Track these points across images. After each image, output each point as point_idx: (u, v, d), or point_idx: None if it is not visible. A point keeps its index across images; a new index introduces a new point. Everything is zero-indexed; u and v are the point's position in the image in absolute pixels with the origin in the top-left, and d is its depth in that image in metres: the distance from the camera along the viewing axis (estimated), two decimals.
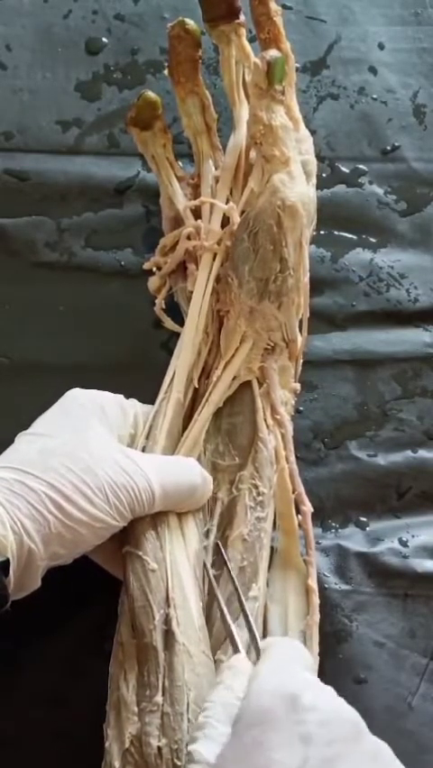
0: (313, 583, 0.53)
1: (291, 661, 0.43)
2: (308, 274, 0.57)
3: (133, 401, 0.56)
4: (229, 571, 0.51)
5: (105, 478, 0.47)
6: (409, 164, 0.68)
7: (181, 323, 0.58)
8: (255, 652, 0.46)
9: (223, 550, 0.52)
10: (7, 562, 0.44)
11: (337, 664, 0.55)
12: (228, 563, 0.51)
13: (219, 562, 0.52)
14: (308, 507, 0.55)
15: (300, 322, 0.57)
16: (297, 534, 0.55)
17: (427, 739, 0.55)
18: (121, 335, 0.63)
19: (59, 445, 0.48)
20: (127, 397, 0.56)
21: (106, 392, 0.54)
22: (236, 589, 0.49)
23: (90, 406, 0.52)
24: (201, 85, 0.60)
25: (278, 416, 0.55)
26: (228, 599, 0.50)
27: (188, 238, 0.58)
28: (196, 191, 0.61)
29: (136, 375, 0.60)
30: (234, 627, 0.48)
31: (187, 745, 0.44)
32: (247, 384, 0.56)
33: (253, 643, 0.47)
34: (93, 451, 0.48)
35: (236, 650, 0.46)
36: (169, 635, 0.48)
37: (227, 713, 0.42)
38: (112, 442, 0.50)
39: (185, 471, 0.52)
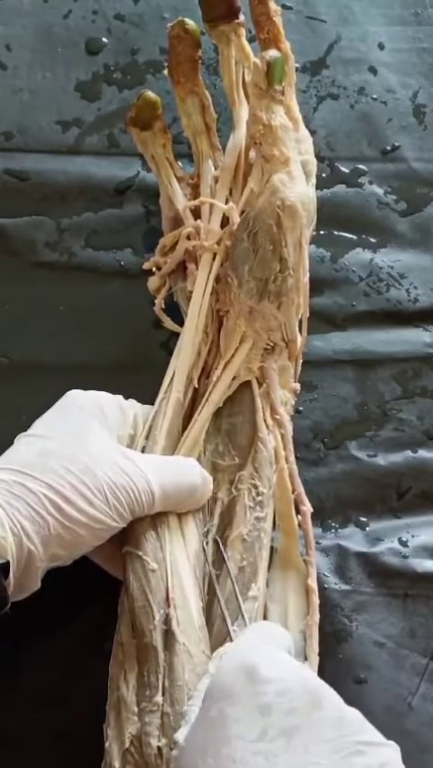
0: (313, 583, 0.53)
1: (260, 639, 0.43)
2: (308, 274, 0.57)
3: (133, 402, 0.56)
4: (228, 570, 0.51)
5: (104, 479, 0.47)
6: (409, 164, 0.68)
7: (181, 323, 0.58)
8: (230, 638, 0.46)
9: (222, 548, 0.52)
10: (7, 563, 0.44)
11: (337, 664, 0.55)
12: (227, 562, 0.51)
13: (219, 561, 0.52)
14: (307, 508, 0.55)
15: (300, 322, 0.57)
16: (297, 535, 0.55)
17: (427, 739, 0.55)
18: (121, 335, 0.63)
19: (58, 447, 0.48)
20: (127, 397, 0.56)
21: (106, 393, 0.54)
22: (234, 586, 0.49)
23: (89, 407, 0.52)
24: (201, 85, 0.60)
25: (277, 416, 0.55)
26: (227, 599, 0.50)
27: (188, 238, 0.58)
28: (195, 191, 0.61)
29: (136, 375, 0.60)
30: (229, 623, 0.48)
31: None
32: (247, 384, 0.56)
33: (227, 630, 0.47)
34: (92, 452, 0.48)
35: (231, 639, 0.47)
36: (169, 635, 0.48)
37: None
38: (111, 443, 0.50)
39: (184, 472, 0.52)
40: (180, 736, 0.42)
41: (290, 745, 0.37)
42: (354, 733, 0.38)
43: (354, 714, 0.39)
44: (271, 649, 0.42)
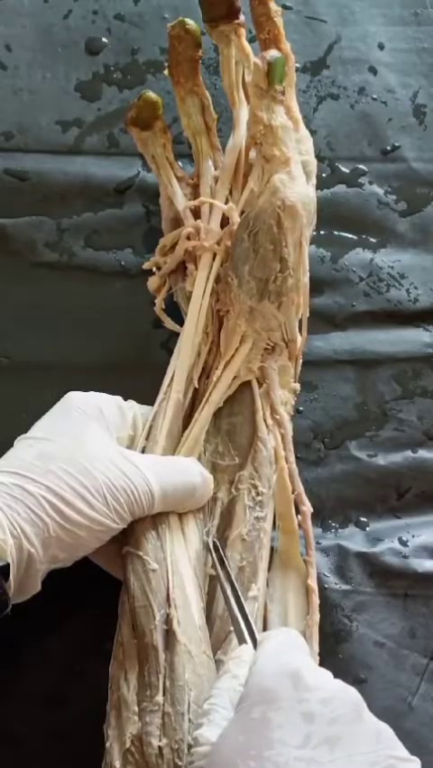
0: (313, 583, 0.53)
1: (290, 645, 0.43)
2: (308, 274, 0.57)
3: (132, 402, 0.56)
4: (228, 571, 0.51)
5: (103, 480, 0.47)
6: (409, 164, 0.68)
7: (181, 323, 0.58)
8: (253, 644, 0.46)
9: (221, 550, 0.52)
10: (7, 566, 0.44)
11: (337, 664, 0.55)
12: (226, 561, 0.51)
13: (219, 561, 0.52)
14: (307, 508, 0.55)
15: (300, 322, 0.57)
16: (297, 535, 0.55)
17: (427, 739, 0.55)
18: (121, 335, 0.63)
19: (57, 449, 0.48)
20: (127, 397, 0.56)
21: (105, 394, 0.54)
22: (233, 586, 0.49)
23: (89, 408, 0.52)
24: (201, 85, 0.60)
25: (277, 416, 0.55)
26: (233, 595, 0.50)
27: (188, 238, 0.58)
28: (195, 191, 0.61)
29: (136, 375, 0.60)
30: (240, 618, 0.48)
31: (192, 731, 0.44)
32: (247, 384, 0.56)
33: (250, 636, 0.47)
34: (91, 454, 0.48)
35: (241, 641, 0.46)
36: (169, 635, 0.48)
37: (231, 700, 0.42)
38: (110, 444, 0.50)
39: (184, 472, 0.52)
40: (207, 733, 0.41)
41: (333, 754, 0.37)
42: (389, 747, 0.39)
43: (388, 728, 0.40)
44: (307, 657, 0.42)
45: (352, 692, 0.40)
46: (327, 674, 0.41)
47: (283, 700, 0.39)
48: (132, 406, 0.55)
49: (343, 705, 0.39)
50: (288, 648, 0.43)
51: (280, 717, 0.38)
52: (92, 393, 0.53)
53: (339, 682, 0.40)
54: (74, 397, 0.53)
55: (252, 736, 0.38)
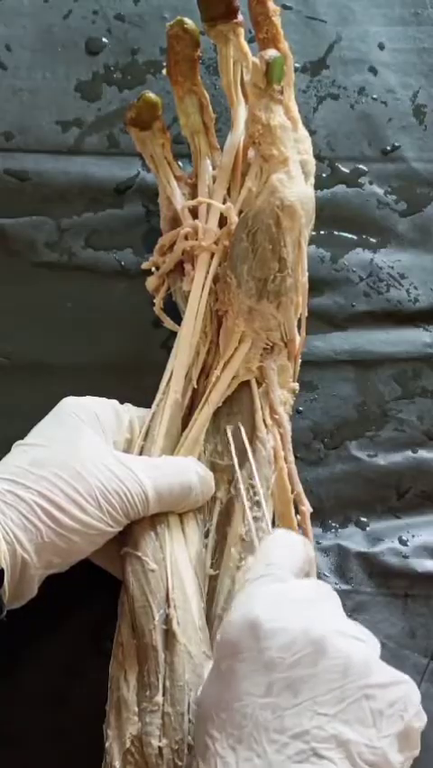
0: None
1: (264, 573, 0.43)
2: (307, 274, 0.57)
3: (128, 406, 0.56)
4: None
5: (96, 484, 0.48)
6: (409, 164, 0.68)
7: (181, 322, 0.58)
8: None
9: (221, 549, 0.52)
10: (1, 572, 0.44)
11: None
12: (226, 561, 0.51)
13: (219, 562, 0.52)
14: (307, 507, 0.55)
15: (299, 321, 0.57)
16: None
17: (427, 739, 0.54)
18: (121, 335, 0.63)
19: (50, 455, 0.48)
20: (127, 396, 0.56)
21: (101, 398, 0.54)
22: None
23: (84, 413, 0.52)
24: (200, 84, 0.60)
25: (277, 416, 0.55)
26: (226, 597, 0.50)
27: (186, 238, 0.58)
28: (194, 191, 0.61)
29: (136, 375, 0.60)
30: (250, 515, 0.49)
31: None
32: (246, 384, 0.56)
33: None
34: (84, 458, 0.48)
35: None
36: (169, 636, 0.48)
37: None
38: (104, 448, 0.50)
39: (179, 473, 0.52)
40: (200, 690, 0.43)
41: (297, 698, 0.38)
42: (359, 677, 0.38)
43: (360, 656, 0.39)
44: (273, 589, 0.42)
45: (315, 629, 0.39)
46: (290, 610, 0.40)
47: (246, 651, 0.39)
48: (128, 410, 0.55)
49: (304, 646, 0.39)
50: (259, 585, 0.42)
51: (244, 669, 0.39)
52: (87, 398, 0.53)
53: (302, 619, 0.40)
54: (69, 403, 0.53)
55: (222, 689, 0.39)
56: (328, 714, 0.37)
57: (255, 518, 0.53)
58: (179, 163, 0.62)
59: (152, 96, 0.59)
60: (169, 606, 0.49)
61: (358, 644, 0.39)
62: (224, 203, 0.58)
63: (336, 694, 0.38)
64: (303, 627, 0.39)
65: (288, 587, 0.42)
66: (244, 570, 0.46)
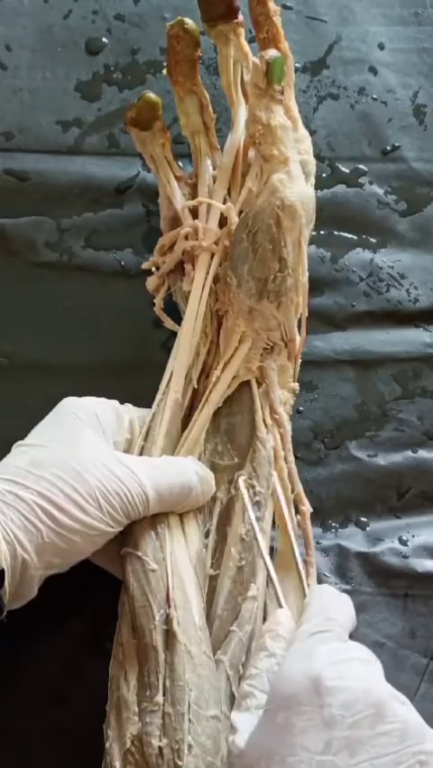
0: (313, 583, 0.53)
1: (325, 629, 0.44)
2: (307, 274, 0.57)
3: (128, 406, 0.56)
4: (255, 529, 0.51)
5: (96, 485, 0.48)
6: (409, 164, 0.68)
7: (181, 322, 0.58)
8: (277, 602, 0.47)
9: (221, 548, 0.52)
10: (2, 572, 0.44)
11: None
12: (226, 561, 0.51)
13: (219, 562, 0.52)
14: (307, 507, 0.55)
15: (299, 321, 0.57)
16: (296, 534, 0.55)
17: None
18: (121, 335, 0.63)
19: (50, 455, 0.48)
20: (127, 396, 0.56)
21: (101, 399, 0.54)
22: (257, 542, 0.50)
23: (84, 414, 0.52)
24: (200, 84, 0.60)
25: (277, 416, 0.55)
26: (226, 599, 0.50)
27: (186, 238, 0.58)
28: (194, 191, 0.61)
29: (136, 375, 0.60)
30: (276, 581, 0.48)
31: (231, 710, 0.45)
32: (246, 384, 0.56)
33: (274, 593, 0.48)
34: (84, 459, 0.48)
35: (280, 604, 0.47)
36: (169, 636, 0.48)
37: (270, 680, 0.43)
38: (104, 449, 0.50)
39: (178, 473, 0.52)
40: (240, 722, 0.42)
41: (354, 758, 0.38)
42: (415, 744, 0.38)
43: (415, 722, 0.39)
44: (336, 645, 0.42)
45: (375, 691, 0.40)
46: (351, 671, 0.41)
47: (305, 705, 0.39)
48: (128, 410, 0.55)
49: (365, 708, 0.39)
50: (318, 639, 0.43)
51: (302, 723, 0.39)
52: (87, 398, 0.53)
53: (363, 680, 0.40)
54: (69, 403, 0.53)
55: (276, 742, 0.39)
56: None
57: (256, 518, 0.52)
58: (180, 163, 0.62)
59: (152, 95, 0.59)
60: (169, 606, 0.49)
61: (412, 710, 0.40)
62: (224, 203, 0.59)
63: (393, 758, 0.38)
64: (365, 688, 0.40)
65: (347, 646, 0.43)
66: (300, 621, 0.45)
